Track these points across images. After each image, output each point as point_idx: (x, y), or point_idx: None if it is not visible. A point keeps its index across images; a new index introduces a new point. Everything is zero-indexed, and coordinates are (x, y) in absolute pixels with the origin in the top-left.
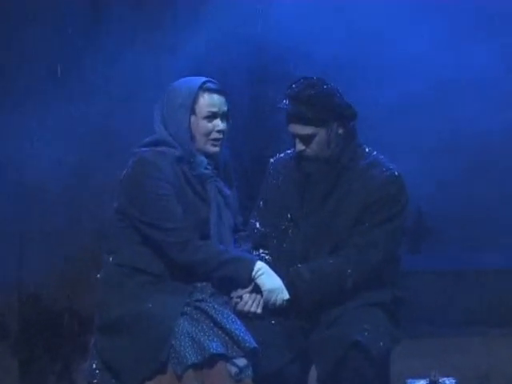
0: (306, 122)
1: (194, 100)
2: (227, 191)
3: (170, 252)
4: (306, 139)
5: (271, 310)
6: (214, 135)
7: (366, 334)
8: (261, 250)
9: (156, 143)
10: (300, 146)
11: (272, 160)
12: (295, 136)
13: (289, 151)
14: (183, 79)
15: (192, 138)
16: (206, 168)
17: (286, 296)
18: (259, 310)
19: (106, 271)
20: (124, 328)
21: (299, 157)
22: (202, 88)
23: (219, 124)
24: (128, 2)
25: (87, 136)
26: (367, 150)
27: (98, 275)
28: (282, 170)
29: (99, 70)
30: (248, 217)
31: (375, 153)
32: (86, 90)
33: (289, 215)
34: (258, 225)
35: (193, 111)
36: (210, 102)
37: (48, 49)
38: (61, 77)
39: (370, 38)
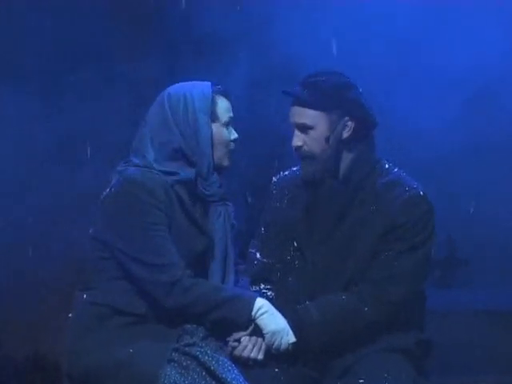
0: (305, 104)
1: (213, 104)
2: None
3: (155, 293)
4: (304, 130)
5: (274, 355)
6: (231, 145)
7: None
8: (262, 285)
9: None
10: (296, 141)
11: (275, 179)
12: (293, 127)
13: (295, 168)
14: (182, 84)
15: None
16: (220, 186)
17: (292, 339)
18: (260, 356)
19: (78, 311)
20: (100, 378)
21: (297, 155)
22: (215, 91)
23: (235, 132)
24: None
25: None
26: (387, 166)
27: (70, 315)
28: (287, 191)
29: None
30: (245, 246)
31: (396, 169)
32: None
33: (295, 244)
34: (258, 255)
35: (214, 117)
36: (227, 106)
37: None
38: None
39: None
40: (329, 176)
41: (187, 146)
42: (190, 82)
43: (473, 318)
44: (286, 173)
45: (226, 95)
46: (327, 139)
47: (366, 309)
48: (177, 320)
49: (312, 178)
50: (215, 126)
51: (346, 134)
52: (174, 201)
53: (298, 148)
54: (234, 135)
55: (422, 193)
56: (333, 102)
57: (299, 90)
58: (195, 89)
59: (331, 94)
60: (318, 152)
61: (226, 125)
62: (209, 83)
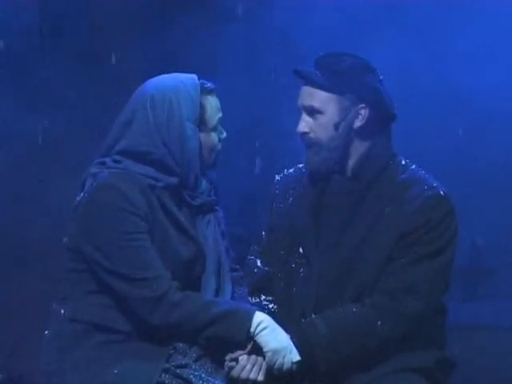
0: (315, 85)
1: (201, 109)
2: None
3: (139, 310)
4: (312, 115)
5: (277, 376)
6: (218, 147)
7: None
8: (262, 297)
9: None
10: (303, 126)
11: (278, 177)
12: (301, 110)
13: (300, 165)
14: (167, 82)
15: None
16: (209, 195)
17: (296, 357)
18: (261, 377)
19: (56, 328)
20: None
21: (301, 141)
22: (204, 90)
23: (223, 131)
24: None
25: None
26: (403, 162)
27: (46, 332)
28: (292, 191)
29: None
30: (241, 252)
31: (414, 166)
32: None
33: (300, 250)
34: (259, 262)
35: (202, 125)
36: (216, 107)
37: None
38: None
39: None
40: (336, 169)
41: (171, 157)
42: (175, 79)
43: (499, 334)
44: (291, 170)
45: (215, 91)
46: (336, 126)
47: (380, 323)
48: (166, 338)
49: (317, 168)
50: (203, 135)
51: (358, 123)
52: (156, 205)
53: (304, 134)
54: (223, 134)
55: (442, 192)
56: (346, 85)
57: (312, 68)
58: (181, 92)
59: (345, 76)
60: (325, 140)
61: (215, 129)
62: (197, 82)
